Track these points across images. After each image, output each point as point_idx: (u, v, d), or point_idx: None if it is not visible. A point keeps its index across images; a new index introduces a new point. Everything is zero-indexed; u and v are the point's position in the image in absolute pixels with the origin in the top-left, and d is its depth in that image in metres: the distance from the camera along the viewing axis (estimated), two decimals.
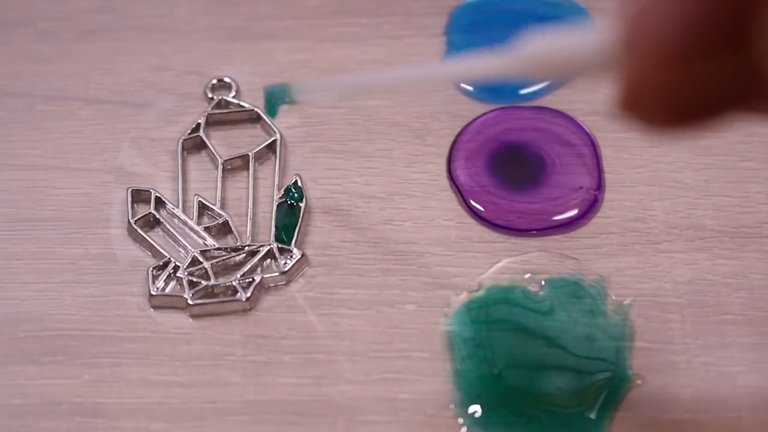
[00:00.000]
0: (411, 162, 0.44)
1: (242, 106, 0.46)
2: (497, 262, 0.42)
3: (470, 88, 0.46)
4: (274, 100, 0.41)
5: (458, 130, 0.45)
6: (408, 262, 0.42)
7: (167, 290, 0.41)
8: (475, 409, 0.38)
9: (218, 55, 0.47)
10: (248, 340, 0.40)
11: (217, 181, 0.44)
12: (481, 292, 0.41)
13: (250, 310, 0.41)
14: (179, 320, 0.41)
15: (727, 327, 0.40)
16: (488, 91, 0.46)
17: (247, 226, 0.43)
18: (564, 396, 0.38)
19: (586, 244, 0.42)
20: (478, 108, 0.46)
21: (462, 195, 0.43)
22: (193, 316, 0.41)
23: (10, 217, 0.43)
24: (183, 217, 0.43)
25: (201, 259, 0.42)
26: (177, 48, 0.48)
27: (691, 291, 0.41)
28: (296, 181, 0.43)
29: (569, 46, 0.29)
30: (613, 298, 0.41)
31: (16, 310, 0.41)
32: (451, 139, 0.45)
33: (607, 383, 0.39)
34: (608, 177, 0.44)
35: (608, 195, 0.43)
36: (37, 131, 0.45)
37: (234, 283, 0.41)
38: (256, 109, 0.45)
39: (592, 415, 0.38)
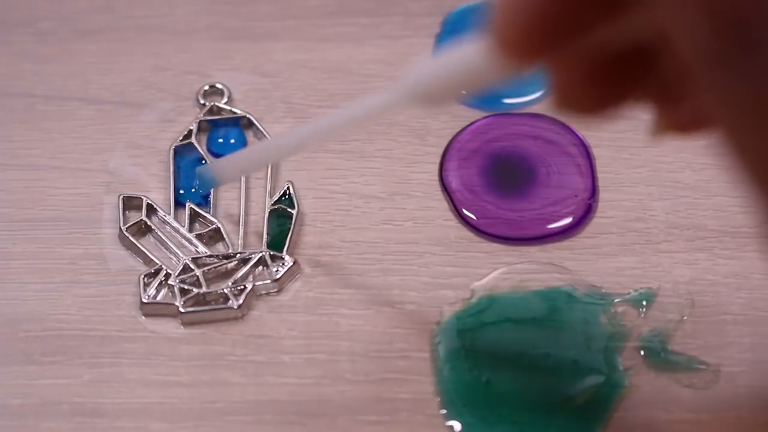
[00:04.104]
0: (411, 162, 0.44)
1: (234, 113, 0.45)
2: (496, 264, 0.41)
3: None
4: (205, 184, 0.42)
5: (458, 130, 0.45)
6: (408, 262, 0.42)
7: (159, 298, 0.41)
8: (463, 418, 0.38)
9: (218, 56, 0.47)
10: (248, 341, 0.40)
11: None
12: (473, 300, 0.41)
13: (241, 317, 0.41)
14: (173, 327, 0.41)
15: (727, 327, 0.40)
16: (480, 98, 0.46)
17: (239, 233, 0.43)
18: (556, 402, 0.38)
19: (586, 244, 0.42)
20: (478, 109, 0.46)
21: (454, 204, 0.43)
22: (185, 324, 0.41)
23: (10, 217, 0.43)
24: (175, 224, 0.43)
25: (192, 266, 0.41)
26: (177, 48, 0.48)
27: (691, 291, 0.41)
28: (288, 188, 0.43)
29: (451, 63, 0.29)
30: (609, 302, 0.40)
31: (16, 310, 0.41)
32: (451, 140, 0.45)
33: (600, 388, 0.39)
34: (607, 177, 0.44)
35: (607, 195, 0.43)
36: (37, 131, 0.45)
37: (226, 291, 0.41)
38: (248, 116, 0.45)
39: (584, 420, 0.38)
